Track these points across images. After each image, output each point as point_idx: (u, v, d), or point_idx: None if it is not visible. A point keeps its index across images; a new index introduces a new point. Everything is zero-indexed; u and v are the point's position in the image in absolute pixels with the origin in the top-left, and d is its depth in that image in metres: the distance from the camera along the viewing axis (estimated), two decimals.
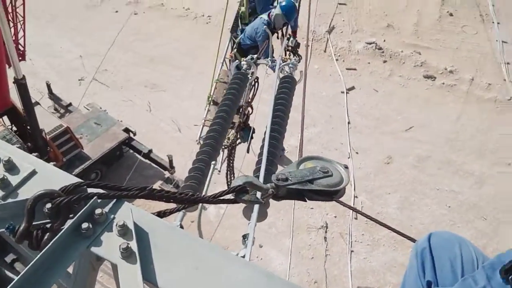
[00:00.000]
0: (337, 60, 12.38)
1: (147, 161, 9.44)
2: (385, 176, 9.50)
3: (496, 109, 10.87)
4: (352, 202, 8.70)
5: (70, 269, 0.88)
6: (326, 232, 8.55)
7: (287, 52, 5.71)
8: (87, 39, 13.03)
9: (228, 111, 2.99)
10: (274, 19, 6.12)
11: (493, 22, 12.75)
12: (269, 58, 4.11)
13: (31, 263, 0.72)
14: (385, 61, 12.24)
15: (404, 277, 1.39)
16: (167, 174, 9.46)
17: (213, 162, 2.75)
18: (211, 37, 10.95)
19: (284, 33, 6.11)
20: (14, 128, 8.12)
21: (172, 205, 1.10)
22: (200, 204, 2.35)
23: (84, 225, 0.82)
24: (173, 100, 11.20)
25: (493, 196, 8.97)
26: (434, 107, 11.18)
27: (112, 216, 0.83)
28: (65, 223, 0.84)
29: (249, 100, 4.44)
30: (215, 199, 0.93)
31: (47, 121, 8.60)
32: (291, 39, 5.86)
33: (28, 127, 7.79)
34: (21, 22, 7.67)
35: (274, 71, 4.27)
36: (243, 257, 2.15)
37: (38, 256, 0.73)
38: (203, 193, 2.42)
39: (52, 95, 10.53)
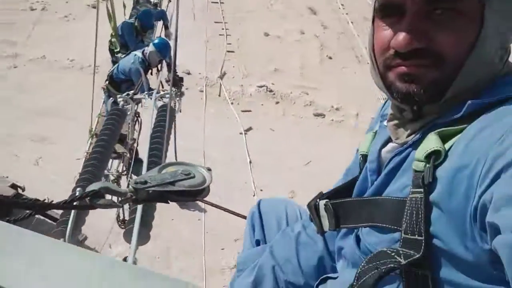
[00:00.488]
0: (232, 103, 12.70)
1: (39, 216, 8.73)
2: None
3: None
4: None
5: None
6: None
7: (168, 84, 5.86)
8: None
9: (105, 146, 2.91)
10: (149, 56, 6.25)
11: (368, 63, 14.08)
12: (146, 92, 4.11)
13: None
14: (277, 102, 12.83)
15: (244, 243, 1.45)
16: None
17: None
18: (100, 86, 10.70)
19: (160, 68, 6.23)
20: None
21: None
22: None
23: None
24: (65, 151, 10.61)
25: None
26: (327, 141, 11.87)
27: None
28: None
29: (134, 138, 4.38)
30: (68, 205, 0.88)
31: None
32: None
33: None
34: None
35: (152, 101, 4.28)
36: None
37: None
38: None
39: None
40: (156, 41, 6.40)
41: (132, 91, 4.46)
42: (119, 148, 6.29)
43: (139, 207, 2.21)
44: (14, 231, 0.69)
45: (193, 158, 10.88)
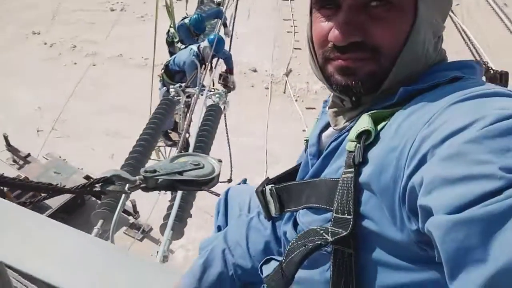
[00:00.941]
0: (296, 100, 12.69)
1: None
2: None
3: None
4: None
5: None
6: None
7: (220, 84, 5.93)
8: (46, 91, 13.02)
9: (151, 134, 3.06)
10: (203, 51, 6.39)
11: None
12: (197, 87, 4.22)
13: None
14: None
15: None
16: (131, 219, 9.26)
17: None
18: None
19: (214, 66, 6.34)
20: None
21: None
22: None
23: None
24: None
25: None
26: None
27: None
28: None
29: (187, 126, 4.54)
30: (80, 190, 0.95)
31: (5, 172, 8.42)
32: (228, 75, 6.10)
33: None
34: None
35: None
36: None
37: None
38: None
39: (10, 147, 10.32)
40: (211, 36, 6.56)
41: (184, 83, 4.60)
42: (174, 136, 6.53)
43: (176, 203, 2.30)
44: (10, 208, 0.76)
45: (255, 155, 11.02)
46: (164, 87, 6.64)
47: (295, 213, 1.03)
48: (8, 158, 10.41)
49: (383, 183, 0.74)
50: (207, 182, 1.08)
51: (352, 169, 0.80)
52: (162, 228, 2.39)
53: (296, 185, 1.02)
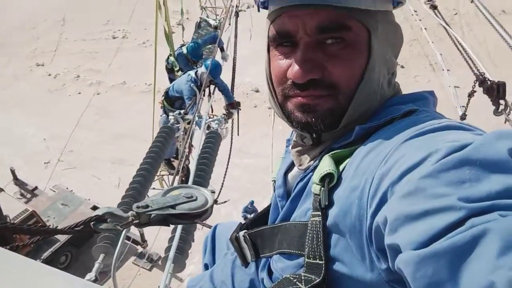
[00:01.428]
0: None
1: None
2: None
3: None
4: None
5: None
6: None
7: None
8: (51, 122, 13.16)
9: (151, 163, 3.06)
10: (200, 77, 6.44)
11: (443, 70, 13.46)
12: (196, 114, 4.25)
13: None
14: None
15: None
16: (139, 248, 9.25)
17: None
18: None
19: (212, 91, 6.39)
20: None
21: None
22: None
23: None
24: None
25: None
26: None
27: None
28: None
29: (187, 153, 4.54)
30: (72, 230, 0.94)
31: (12, 206, 8.46)
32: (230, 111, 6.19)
33: None
34: None
35: (200, 128, 4.40)
36: None
37: None
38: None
39: (17, 181, 10.42)
40: (207, 62, 6.62)
41: (183, 110, 4.64)
42: (176, 164, 6.55)
43: (177, 234, 2.28)
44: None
45: (261, 177, 11.00)
46: (165, 114, 6.69)
47: (269, 259, 1.02)
48: (16, 192, 10.50)
49: (349, 223, 0.74)
50: (200, 215, 1.07)
51: (319, 213, 0.80)
52: (164, 261, 2.37)
53: (269, 230, 1.01)
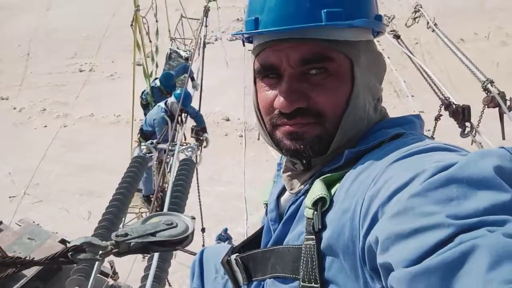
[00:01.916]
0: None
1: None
2: None
3: None
4: None
5: None
6: None
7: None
8: (16, 155, 12.80)
9: (124, 193, 3.01)
10: (171, 106, 6.50)
11: (407, 96, 13.89)
12: (169, 143, 4.24)
13: None
14: None
15: None
16: (110, 281, 8.95)
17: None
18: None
19: (185, 120, 6.44)
20: None
21: None
22: None
23: None
24: None
25: None
26: None
27: None
28: None
29: (160, 185, 4.47)
30: (49, 261, 0.91)
31: None
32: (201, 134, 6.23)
33: None
34: None
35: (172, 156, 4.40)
36: None
37: None
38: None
39: None
40: (177, 91, 6.66)
41: (155, 140, 4.63)
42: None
43: (153, 263, 2.23)
44: None
45: (235, 204, 10.95)
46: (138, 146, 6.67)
47: (262, 282, 1.02)
48: None
49: (342, 245, 0.75)
50: (181, 241, 1.05)
51: (313, 236, 0.81)
52: None
53: (261, 253, 1.01)
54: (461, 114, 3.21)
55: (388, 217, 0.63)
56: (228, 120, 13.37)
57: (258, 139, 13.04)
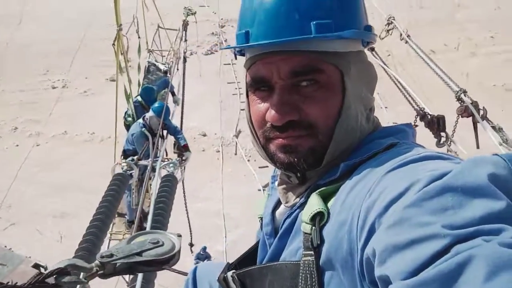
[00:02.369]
0: (248, 160, 12.73)
1: None
2: None
3: None
4: None
5: None
6: None
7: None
8: None
9: (105, 213, 2.94)
10: (150, 121, 6.43)
11: (381, 107, 14.13)
12: (150, 159, 4.19)
13: None
14: None
15: None
16: None
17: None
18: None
19: (166, 136, 6.38)
20: None
21: None
22: None
23: None
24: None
25: None
26: None
27: None
28: None
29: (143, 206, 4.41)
30: (32, 285, 0.87)
31: None
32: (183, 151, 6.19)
33: None
34: None
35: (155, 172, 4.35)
36: None
37: None
38: None
39: None
40: (155, 105, 6.65)
41: (136, 156, 4.57)
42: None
43: (138, 284, 2.17)
44: None
45: (213, 220, 10.83)
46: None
47: None
48: None
49: (341, 259, 0.75)
50: (168, 260, 1.03)
51: (312, 252, 0.81)
52: None
53: (258, 270, 0.99)
54: (436, 124, 3.28)
55: (385, 228, 0.63)
56: (204, 135, 13.31)
57: (235, 153, 13.02)
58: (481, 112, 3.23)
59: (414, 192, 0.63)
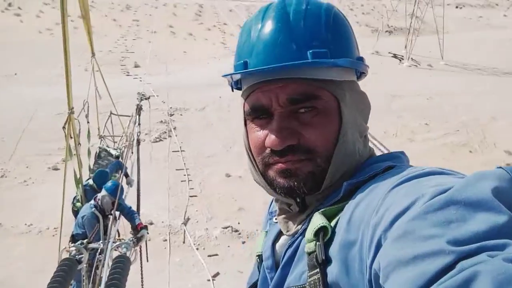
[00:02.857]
0: (197, 249, 12.32)
1: None
2: None
3: None
4: None
5: None
6: None
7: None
8: None
9: None
10: (101, 201, 6.18)
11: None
12: (101, 241, 3.93)
13: None
14: (244, 242, 12.56)
15: None
16: None
17: None
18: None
19: (118, 216, 6.14)
20: None
21: None
22: None
23: None
24: None
25: None
26: None
27: None
28: None
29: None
30: None
31: None
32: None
33: None
34: None
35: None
36: None
37: None
38: None
39: None
40: (108, 184, 6.43)
41: (86, 240, 4.27)
42: None
43: None
44: None
45: None
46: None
47: None
48: None
49: (353, 280, 0.74)
50: None
51: (317, 269, 0.80)
52: None
53: None
54: None
55: (389, 242, 0.63)
56: (151, 223, 12.82)
57: (184, 242, 12.56)
58: None
59: (418, 206, 0.63)
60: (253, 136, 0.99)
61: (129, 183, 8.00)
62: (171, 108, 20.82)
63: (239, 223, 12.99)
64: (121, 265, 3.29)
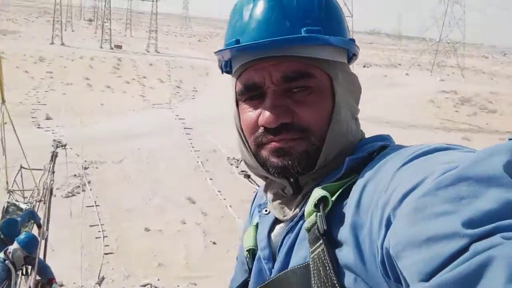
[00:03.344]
0: None
1: None
2: None
3: None
4: None
5: None
6: None
7: None
8: None
9: None
10: (13, 255, 5.65)
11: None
12: None
13: None
14: None
15: None
16: None
17: None
18: None
19: (30, 272, 5.71)
20: None
21: None
22: None
23: None
24: None
25: None
26: None
27: None
28: None
29: None
30: None
31: None
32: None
33: None
34: None
35: None
36: None
37: None
38: None
39: None
40: (21, 236, 5.95)
41: None
42: None
43: None
44: None
45: None
46: None
47: None
48: None
49: (365, 262, 0.72)
50: None
51: (320, 241, 0.78)
52: None
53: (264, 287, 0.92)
54: None
55: (400, 220, 0.62)
56: (61, 285, 11.78)
57: None
58: None
59: (428, 183, 0.62)
60: (245, 117, 0.98)
61: (42, 234, 7.46)
62: (85, 161, 19.88)
63: (158, 280, 12.33)
64: None
